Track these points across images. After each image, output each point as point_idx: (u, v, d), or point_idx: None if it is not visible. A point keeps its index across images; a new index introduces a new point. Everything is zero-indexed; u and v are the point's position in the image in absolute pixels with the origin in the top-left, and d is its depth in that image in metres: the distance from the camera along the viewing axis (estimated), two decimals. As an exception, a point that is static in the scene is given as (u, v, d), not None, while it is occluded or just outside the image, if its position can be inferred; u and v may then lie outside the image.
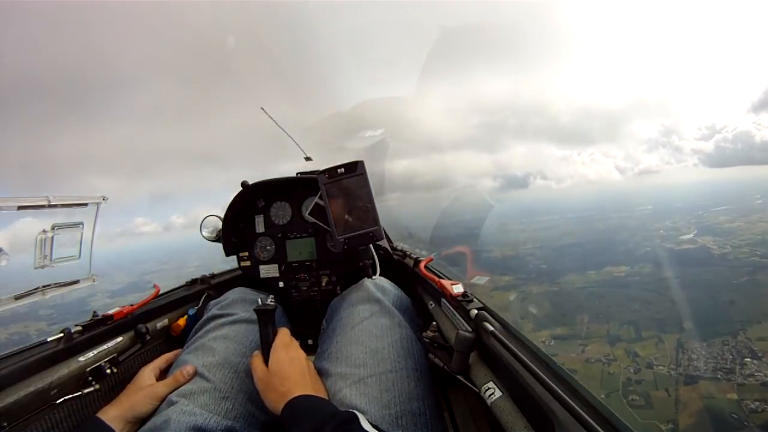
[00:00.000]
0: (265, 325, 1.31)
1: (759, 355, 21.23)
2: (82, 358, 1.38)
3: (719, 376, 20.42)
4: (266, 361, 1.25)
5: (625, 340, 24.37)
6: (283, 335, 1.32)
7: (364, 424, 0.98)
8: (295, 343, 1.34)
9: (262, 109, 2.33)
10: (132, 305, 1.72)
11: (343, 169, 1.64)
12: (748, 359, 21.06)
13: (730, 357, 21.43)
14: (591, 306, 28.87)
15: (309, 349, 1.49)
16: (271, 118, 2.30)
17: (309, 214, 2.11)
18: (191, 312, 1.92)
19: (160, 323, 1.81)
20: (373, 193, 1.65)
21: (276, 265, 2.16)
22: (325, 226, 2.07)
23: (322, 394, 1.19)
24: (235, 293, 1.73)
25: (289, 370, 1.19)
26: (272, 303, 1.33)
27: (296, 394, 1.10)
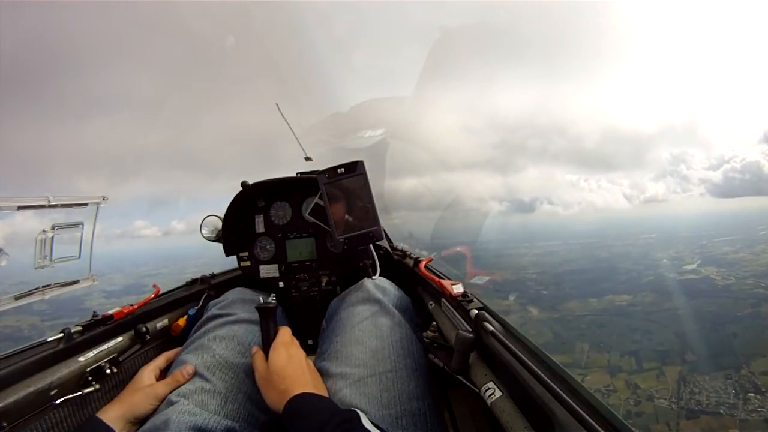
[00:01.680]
0: (267, 323, 1.31)
1: (762, 390, 20.89)
2: (82, 358, 1.38)
3: (722, 411, 20.07)
4: (267, 358, 1.25)
5: (625, 371, 24.09)
6: (284, 333, 1.32)
7: (365, 422, 0.98)
8: (295, 342, 1.34)
9: (277, 105, 2.35)
10: (132, 305, 1.72)
11: (343, 169, 1.64)
12: (752, 394, 20.74)
13: (733, 391, 21.10)
14: (592, 334, 28.64)
15: (309, 349, 1.49)
16: (282, 116, 2.32)
17: (309, 214, 2.11)
18: (191, 312, 1.92)
19: (160, 323, 1.81)
20: (373, 195, 1.64)
21: (276, 265, 2.16)
22: (325, 226, 2.07)
23: (323, 392, 1.19)
24: (235, 293, 1.73)
25: (289, 369, 1.19)
26: (273, 301, 1.34)
27: (296, 393, 1.10)
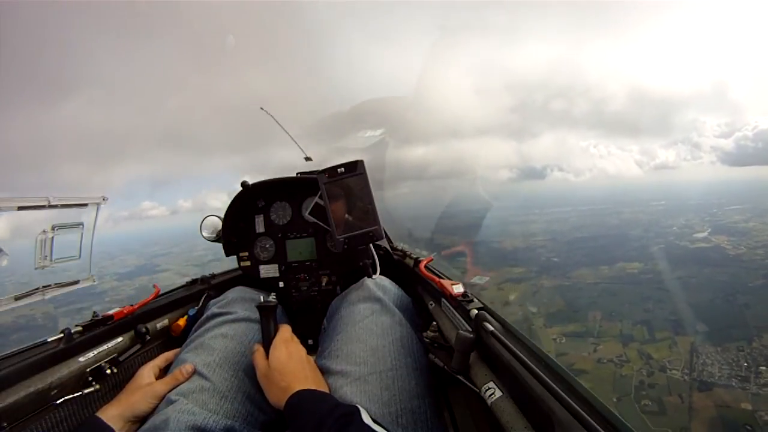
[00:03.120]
0: (267, 322, 1.32)
1: (774, 363, 20.63)
2: (82, 359, 1.39)
3: (734, 384, 19.81)
4: (268, 356, 1.26)
5: (638, 341, 23.84)
6: (284, 331, 1.33)
7: (365, 417, 0.99)
8: (295, 339, 1.35)
9: (262, 108, 2.33)
10: (132, 305, 1.72)
11: (343, 169, 1.64)
12: (763, 367, 20.46)
13: (745, 364, 20.83)
14: (604, 303, 28.24)
15: (309, 349, 1.50)
16: (272, 117, 2.31)
17: (309, 214, 2.11)
18: (191, 312, 1.92)
19: (160, 323, 1.82)
20: (373, 193, 1.65)
21: (276, 265, 2.16)
22: (325, 226, 2.07)
23: (324, 388, 1.19)
24: (235, 292, 1.73)
25: (289, 366, 1.20)
26: (274, 300, 1.35)
27: (297, 389, 1.11)
